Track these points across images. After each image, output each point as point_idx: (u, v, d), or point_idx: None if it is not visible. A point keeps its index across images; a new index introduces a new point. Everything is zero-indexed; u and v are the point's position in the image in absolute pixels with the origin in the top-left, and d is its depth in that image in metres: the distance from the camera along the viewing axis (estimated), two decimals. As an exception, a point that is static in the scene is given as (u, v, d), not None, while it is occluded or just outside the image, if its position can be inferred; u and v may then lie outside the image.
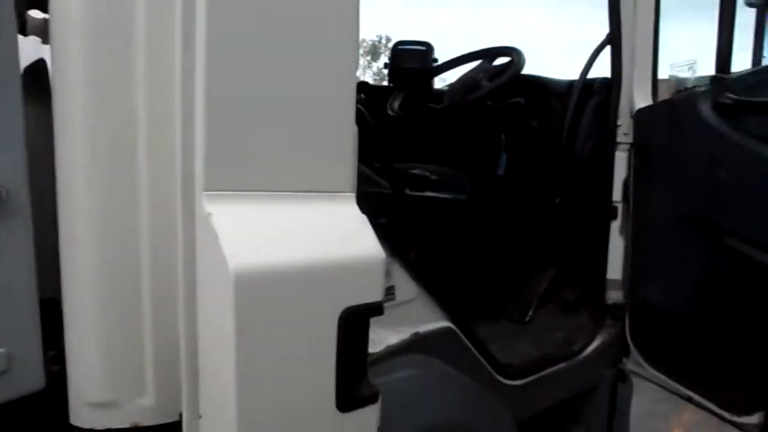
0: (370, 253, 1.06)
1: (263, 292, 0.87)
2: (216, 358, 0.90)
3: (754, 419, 1.48)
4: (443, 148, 2.23)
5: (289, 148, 0.98)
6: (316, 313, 0.99)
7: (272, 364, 0.92)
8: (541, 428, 1.95)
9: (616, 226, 1.89)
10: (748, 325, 1.47)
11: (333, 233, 1.05)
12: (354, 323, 1.03)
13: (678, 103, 1.64)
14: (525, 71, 2.05)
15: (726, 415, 1.57)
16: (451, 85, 2.25)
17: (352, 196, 1.11)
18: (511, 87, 2.02)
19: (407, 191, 1.65)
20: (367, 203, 1.37)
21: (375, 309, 1.06)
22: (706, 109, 1.53)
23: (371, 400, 1.08)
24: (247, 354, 0.86)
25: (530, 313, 2.16)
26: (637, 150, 1.80)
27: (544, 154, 1.98)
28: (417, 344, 1.38)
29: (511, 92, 2.04)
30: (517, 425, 1.66)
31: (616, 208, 1.88)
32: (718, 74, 1.64)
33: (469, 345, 1.51)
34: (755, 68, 1.85)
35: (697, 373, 1.65)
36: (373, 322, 1.34)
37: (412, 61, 2.43)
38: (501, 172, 2.05)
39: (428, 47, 2.42)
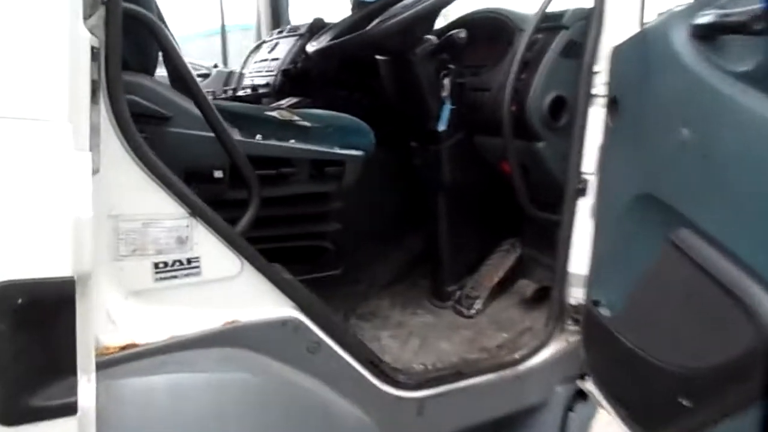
0: (49, 208, 0.73)
1: None
2: None
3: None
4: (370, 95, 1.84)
5: None
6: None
7: None
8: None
9: (586, 205, 1.44)
10: (687, 359, 1.01)
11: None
12: (19, 306, 0.72)
13: (648, 32, 1.16)
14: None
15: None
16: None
17: (66, 126, 0.79)
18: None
19: (257, 138, 1.28)
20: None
21: (59, 288, 0.74)
22: (679, 36, 1.06)
23: (59, 412, 0.77)
24: None
25: (477, 305, 1.75)
26: (608, 103, 1.34)
27: (493, 106, 1.54)
28: (231, 335, 1.05)
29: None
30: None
31: (586, 182, 1.43)
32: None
33: (328, 341, 1.16)
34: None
35: (638, 409, 1.19)
36: (165, 301, 1.04)
37: None
38: (442, 127, 1.61)
39: None
